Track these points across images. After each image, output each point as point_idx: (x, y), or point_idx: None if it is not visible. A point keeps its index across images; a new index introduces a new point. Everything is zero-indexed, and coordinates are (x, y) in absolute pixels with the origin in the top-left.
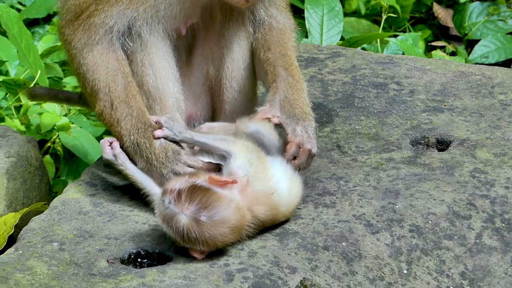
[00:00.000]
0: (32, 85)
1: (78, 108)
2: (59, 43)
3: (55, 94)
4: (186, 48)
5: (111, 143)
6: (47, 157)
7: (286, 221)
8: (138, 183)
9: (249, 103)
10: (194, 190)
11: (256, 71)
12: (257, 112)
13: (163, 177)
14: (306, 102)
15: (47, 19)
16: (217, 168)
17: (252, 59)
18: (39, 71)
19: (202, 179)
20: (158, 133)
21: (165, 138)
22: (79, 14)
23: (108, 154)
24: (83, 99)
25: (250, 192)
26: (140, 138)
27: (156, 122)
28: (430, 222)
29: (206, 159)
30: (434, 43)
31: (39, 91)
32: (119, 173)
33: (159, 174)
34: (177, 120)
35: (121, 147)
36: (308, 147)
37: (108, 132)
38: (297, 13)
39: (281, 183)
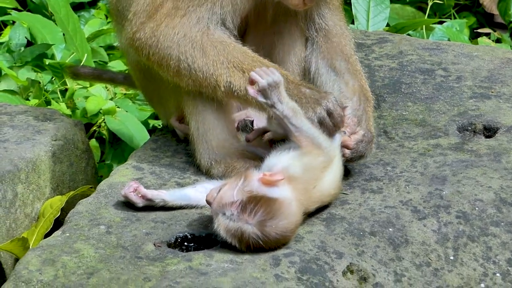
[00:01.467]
0: None
1: (124, 92)
2: (105, 27)
3: (99, 74)
4: (238, 36)
5: (135, 190)
6: (93, 140)
7: (331, 204)
8: (182, 202)
9: None
10: (255, 201)
11: (319, 71)
12: (348, 123)
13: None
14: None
15: (93, 3)
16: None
17: (301, 46)
18: (86, 55)
19: (254, 182)
20: (251, 91)
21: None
22: (152, 12)
23: (140, 202)
24: (129, 80)
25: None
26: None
27: (252, 81)
28: (477, 208)
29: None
30: (479, 30)
31: (83, 70)
32: (166, 157)
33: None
34: (277, 82)
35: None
36: (353, 158)
37: (153, 116)
38: None
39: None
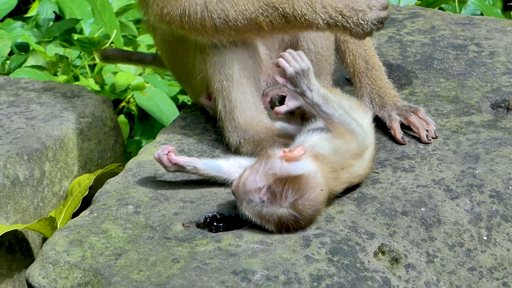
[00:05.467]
0: (108, 44)
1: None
2: (133, 1)
3: (128, 55)
4: None
5: (169, 152)
6: (122, 117)
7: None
8: (213, 173)
9: (326, 64)
10: (283, 183)
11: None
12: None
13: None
14: (390, 86)
15: None
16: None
17: None
18: (115, 30)
19: (277, 162)
20: (280, 81)
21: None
22: None
23: (172, 167)
24: (158, 60)
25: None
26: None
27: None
28: (510, 187)
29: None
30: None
31: (112, 52)
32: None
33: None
34: (305, 69)
35: None
36: (422, 130)
37: (182, 92)
38: None
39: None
